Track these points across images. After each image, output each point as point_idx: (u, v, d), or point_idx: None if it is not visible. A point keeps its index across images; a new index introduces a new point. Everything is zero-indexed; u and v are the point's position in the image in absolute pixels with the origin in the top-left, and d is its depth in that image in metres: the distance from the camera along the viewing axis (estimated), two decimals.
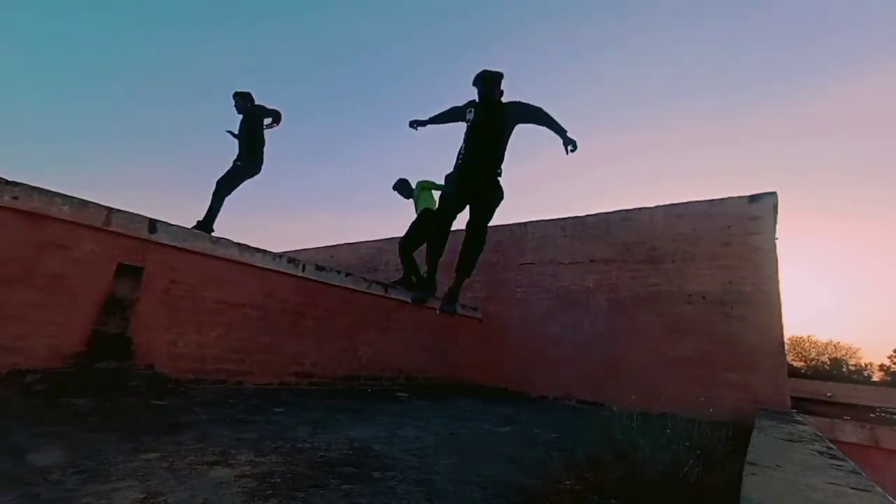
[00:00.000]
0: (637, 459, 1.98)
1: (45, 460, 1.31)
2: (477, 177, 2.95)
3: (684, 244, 4.92)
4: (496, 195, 2.99)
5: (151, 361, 2.70)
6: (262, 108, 4.48)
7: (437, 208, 3.17)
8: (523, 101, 3.07)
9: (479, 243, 2.99)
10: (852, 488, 1.37)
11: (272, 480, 1.38)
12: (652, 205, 5.30)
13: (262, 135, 4.47)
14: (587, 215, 5.77)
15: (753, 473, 1.42)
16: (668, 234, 5.05)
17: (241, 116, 4.50)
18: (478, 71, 3.09)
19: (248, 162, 4.33)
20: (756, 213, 4.59)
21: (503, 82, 3.12)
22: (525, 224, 6.29)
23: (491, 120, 3.00)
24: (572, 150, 2.92)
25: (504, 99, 3.11)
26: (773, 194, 4.57)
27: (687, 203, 5.05)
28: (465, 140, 3.04)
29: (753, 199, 4.64)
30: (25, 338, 2.26)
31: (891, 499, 1.29)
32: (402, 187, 5.54)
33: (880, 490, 1.38)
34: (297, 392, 3.33)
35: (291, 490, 1.32)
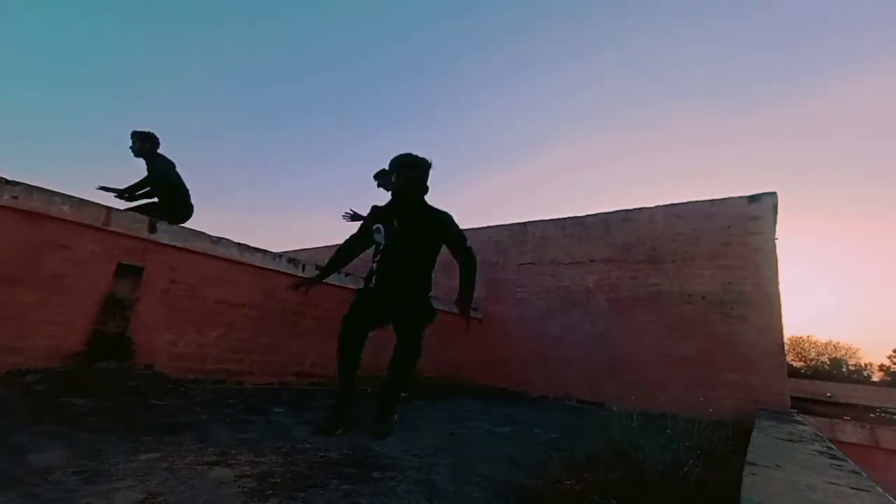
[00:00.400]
0: (637, 459, 1.98)
1: (45, 460, 1.31)
2: (394, 305, 2.30)
3: (684, 244, 4.92)
4: (425, 312, 2.35)
5: (151, 361, 2.70)
6: (166, 163, 3.87)
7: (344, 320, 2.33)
8: (455, 221, 2.35)
9: (413, 358, 2.38)
10: (852, 488, 1.37)
11: (272, 480, 1.38)
12: (652, 205, 5.30)
13: (177, 180, 3.91)
14: (587, 215, 5.77)
15: (753, 473, 1.42)
16: (668, 234, 5.05)
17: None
18: (397, 155, 2.27)
19: (168, 213, 3.69)
20: (756, 213, 4.59)
21: (429, 175, 2.32)
22: (525, 224, 6.29)
23: (409, 239, 2.21)
24: (463, 314, 2.32)
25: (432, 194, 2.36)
26: (773, 194, 4.57)
27: (687, 203, 5.05)
28: (377, 264, 2.29)
29: (753, 199, 4.64)
30: (25, 338, 2.26)
31: (891, 499, 1.29)
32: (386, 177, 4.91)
33: (880, 490, 1.38)
34: (297, 392, 3.33)
35: (291, 490, 1.32)
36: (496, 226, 6.57)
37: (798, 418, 3.68)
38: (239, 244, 3.29)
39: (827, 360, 29.66)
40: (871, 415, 6.18)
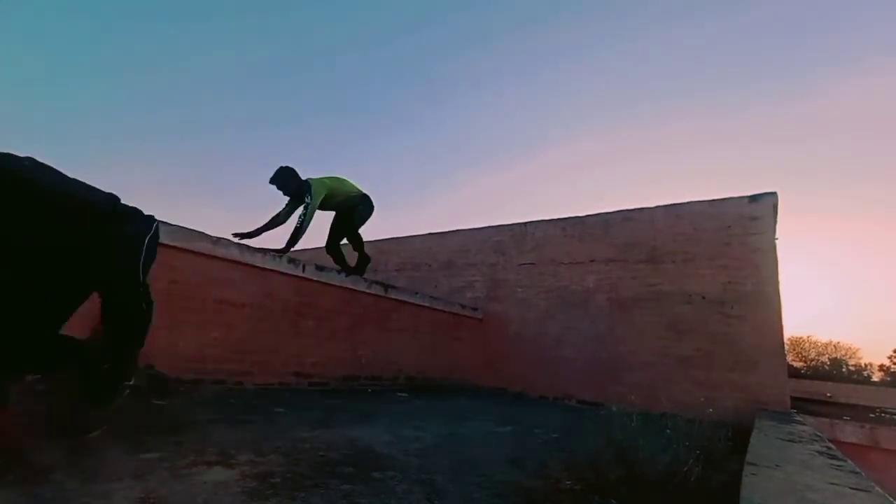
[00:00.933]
0: (637, 459, 1.98)
1: (45, 460, 1.31)
2: None
3: (684, 244, 4.92)
4: None
5: (151, 361, 2.70)
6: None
7: None
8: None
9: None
10: (852, 488, 1.37)
11: (272, 480, 1.38)
12: (652, 205, 5.30)
13: None
14: (587, 215, 5.77)
15: (753, 473, 1.42)
16: (668, 234, 5.05)
17: None
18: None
19: None
20: (756, 213, 4.59)
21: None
22: (525, 224, 6.29)
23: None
24: None
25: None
26: (773, 194, 4.57)
27: (687, 203, 5.05)
28: None
29: (753, 199, 4.64)
30: None
31: (891, 499, 1.29)
32: (288, 179, 3.94)
33: (880, 490, 1.38)
34: (297, 392, 3.33)
35: (291, 490, 1.32)
36: (496, 226, 6.57)
37: (798, 418, 3.68)
38: (239, 244, 3.29)
39: (827, 360, 29.61)
40: (871, 415, 6.18)
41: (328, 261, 4.08)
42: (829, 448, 2.17)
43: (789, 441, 2.29)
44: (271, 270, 3.47)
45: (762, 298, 4.35)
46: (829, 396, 10.03)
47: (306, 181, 3.94)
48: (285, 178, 3.92)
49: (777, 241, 4.47)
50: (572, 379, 5.17)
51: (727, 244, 4.66)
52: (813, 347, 30.47)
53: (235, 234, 3.61)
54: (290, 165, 3.99)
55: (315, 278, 3.81)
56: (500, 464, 1.94)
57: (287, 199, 4.02)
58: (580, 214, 5.83)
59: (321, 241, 4.51)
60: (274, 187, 3.96)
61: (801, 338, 30.72)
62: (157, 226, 1.65)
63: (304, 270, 3.70)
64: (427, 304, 5.20)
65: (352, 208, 4.30)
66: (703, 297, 4.66)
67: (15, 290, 1.27)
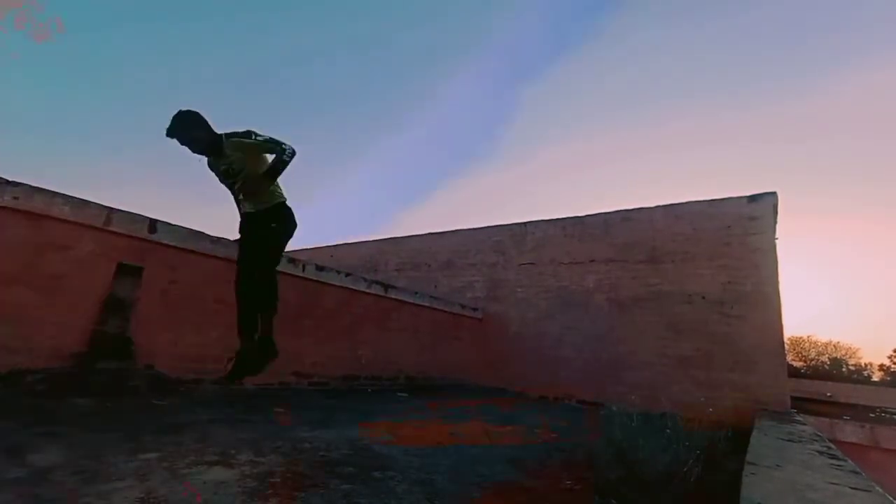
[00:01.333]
0: (637, 459, 1.98)
1: (45, 460, 1.31)
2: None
3: (684, 244, 4.92)
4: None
5: (151, 361, 2.70)
6: None
7: None
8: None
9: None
10: (852, 488, 1.37)
11: (272, 480, 1.38)
12: (652, 205, 5.30)
13: None
14: (587, 215, 5.77)
15: (753, 473, 1.42)
16: (668, 234, 5.05)
17: None
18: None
19: None
20: (756, 213, 4.59)
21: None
22: (525, 224, 6.29)
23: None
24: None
25: None
26: (773, 194, 4.57)
27: (687, 203, 5.05)
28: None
29: (753, 199, 4.64)
30: (26, 338, 2.26)
31: (891, 499, 1.29)
32: (200, 130, 2.34)
33: (880, 490, 1.38)
34: (297, 392, 3.33)
35: (291, 490, 1.32)
36: (496, 226, 6.57)
37: (798, 418, 3.68)
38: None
39: (827, 360, 29.56)
40: (871, 415, 6.18)
41: (328, 261, 4.06)
42: (829, 448, 2.17)
43: (789, 441, 2.29)
44: None
45: (762, 298, 4.35)
46: (830, 396, 10.03)
47: (225, 135, 2.45)
48: (195, 128, 2.35)
49: (777, 241, 4.47)
50: (572, 379, 5.17)
51: (727, 244, 4.66)
52: (813, 347, 30.41)
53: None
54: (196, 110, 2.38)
55: (315, 278, 3.81)
56: (500, 463, 1.93)
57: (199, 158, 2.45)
58: (580, 214, 5.83)
59: (320, 240, 4.50)
60: (176, 142, 2.33)
61: (801, 338, 30.65)
62: None
63: (303, 270, 3.70)
64: (427, 304, 5.20)
65: (275, 211, 2.56)
66: (703, 297, 4.66)
67: None
